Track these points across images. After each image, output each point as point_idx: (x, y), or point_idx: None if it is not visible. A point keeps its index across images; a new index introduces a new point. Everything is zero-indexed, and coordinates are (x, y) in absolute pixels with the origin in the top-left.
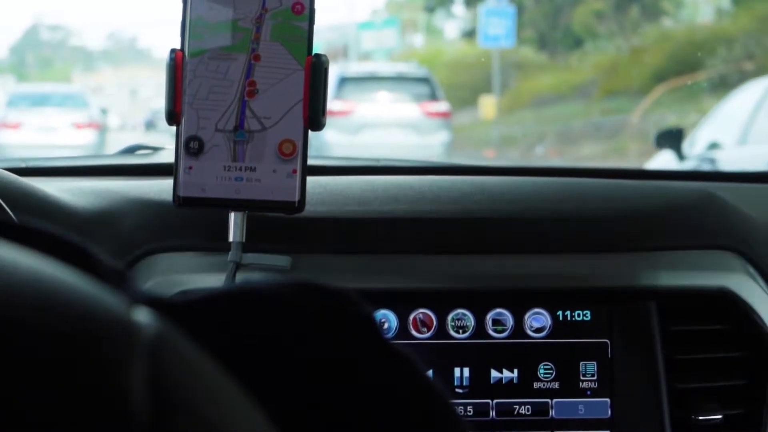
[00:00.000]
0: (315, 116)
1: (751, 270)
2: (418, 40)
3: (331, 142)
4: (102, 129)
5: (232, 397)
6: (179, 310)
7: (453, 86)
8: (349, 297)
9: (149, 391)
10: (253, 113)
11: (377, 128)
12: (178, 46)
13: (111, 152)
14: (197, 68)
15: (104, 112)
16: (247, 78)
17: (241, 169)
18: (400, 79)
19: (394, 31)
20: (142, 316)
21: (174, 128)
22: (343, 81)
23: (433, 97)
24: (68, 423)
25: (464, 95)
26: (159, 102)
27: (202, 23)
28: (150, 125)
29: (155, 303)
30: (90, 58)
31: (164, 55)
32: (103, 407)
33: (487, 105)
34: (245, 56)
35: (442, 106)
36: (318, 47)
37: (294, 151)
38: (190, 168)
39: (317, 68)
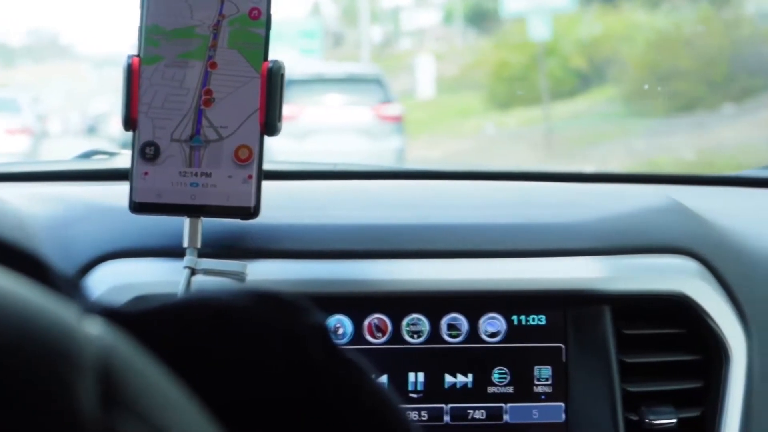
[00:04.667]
0: (271, 122)
1: (707, 274)
2: None
3: (275, 149)
4: (37, 135)
5: (184, 408)
6: (131, 320)
7: None
8: (301, 306)
9: (100, 402)
10: (210, 123)
11: (326, 134)
12: (134, 52)
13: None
14: (153, 76)
15: (41, 118)
16: (203, 86)
17: (196, 174)
18: (349, 81)
19: None
20: (93, 327)
21: (113, 134)
22: (288, 84)
23: (386, 99)
24: None
25: None
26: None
27: (158, 30)
28: (92, 130)
29: (107, 313)
30: (11, 55)
31: (87, 52)
32: (52, 420)
33: None
34: (201, 64)
35: (395, 108)
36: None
37: (250, 157)
38: (146, 174)
39: (273, 74)
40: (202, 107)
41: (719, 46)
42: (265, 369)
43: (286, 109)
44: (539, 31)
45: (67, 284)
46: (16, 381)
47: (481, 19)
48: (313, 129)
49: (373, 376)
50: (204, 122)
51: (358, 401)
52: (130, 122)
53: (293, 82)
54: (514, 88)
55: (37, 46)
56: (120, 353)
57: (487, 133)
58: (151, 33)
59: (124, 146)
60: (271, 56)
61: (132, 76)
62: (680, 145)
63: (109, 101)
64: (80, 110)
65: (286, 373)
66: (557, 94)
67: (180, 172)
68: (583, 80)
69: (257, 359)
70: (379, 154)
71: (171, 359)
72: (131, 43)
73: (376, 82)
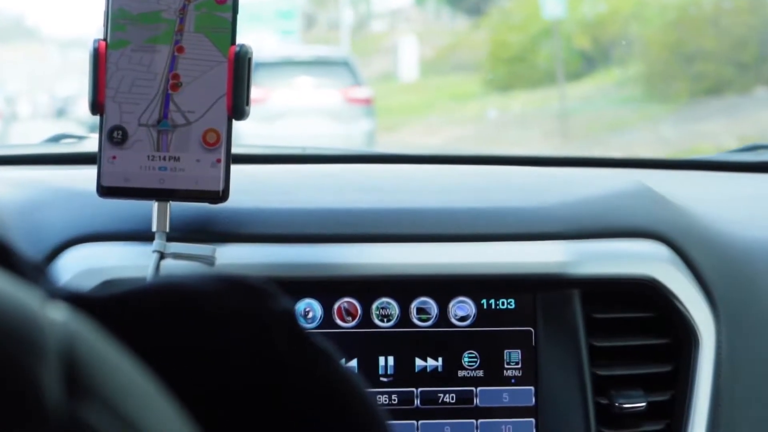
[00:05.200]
0: (239, 106)
1: (676, 258)
2: None
3: (243, 133)
4: (6, 118)
5: (149, 393)
6: (97, 305)
7: None
8: (268, 291)
9: (63, 387)
10: (177, 107)
11: (294, 117)
12: (101, 36)
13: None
14: (119, 61)
15: (9, 101)
16: (170, 71)
17: (165, 158)
18: (317, 64)
19: None
20: (57, 312)
21: (82, 117)
22: (256, 67)
23: (355, 82)
24: None
25: None
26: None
27: (124, 14)
28: (61, 113)
29: (72, 299)
30: None
31: (52, 33)
32: (15, 408)
33: None
34: (168, 48)
35: (365, 91)
36: None
37: (218, 141)
38: (114, 158)
39: (241, 58)
40: (170, 92)
41: (748, 25)
42: (230, 356)
43: (255, 92)
44: (553, 9)
45: (32, 269)
46: None
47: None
48: (282, 112)
49: (342, 361)
50: (171, 107)
51: (325, 388)
52: (97, 106)
53: (261, 65)
54: (515, 69)
55: (1, 27)
56: (84, 339)
57: (490, 118)
58: (117, 17)
59: (92, 129)
60: (250, 39)
61: (99, 60)
62: (716, 131)
63: (76, 83)
64: (48, 92)
65: (251, 361)
66: (553, 76)
67: (148, 156)
68: (588, 62)
69: (222, 346)
70: (349, 137)
71: (135, 346)
72: (97, 26)
73: (345, 64)
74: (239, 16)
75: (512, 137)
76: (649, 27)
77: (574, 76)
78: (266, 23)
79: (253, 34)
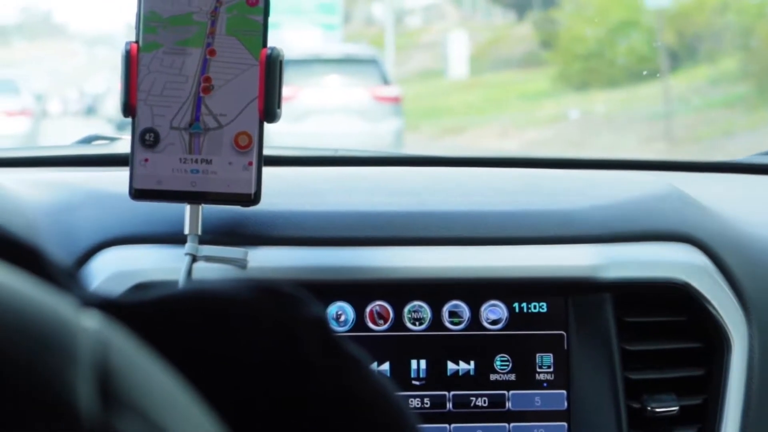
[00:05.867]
0: (271, 109)
1: (708, 262)
2: None
3: (272, 131)
4: (37, 116)
5: (182, 402)
6: (130, 312)
7: None
8: (300, 298)
9: (97, 395)
10: (209, 110)
11: (322, 115)
12: (132, 39)
13: (49, 141)
14: (151, 63)
15: (40, 98)
16: (202, 74)
17: (197, 161)
18: (346, 62)
19: None
20: (90, 320)
21: (111, 114)
22: (285, 64)
23: (384, 80)
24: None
25: None
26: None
27: (155, 17)
28: (91, 111)
29: (105, 305)
30: (3, 33)
31: (79, 30)
32: (49, 418)
33: None
34: (200, 51)
35: (393, 90)
36: None
37: (250, 144)
38: (146, 160)
39: (272, 61)
40: (201, 95)
41: None
42: (262, 364)
43: (283, 90)
44: None
45: (65, 274)
46: (12, 378)
47: None
48: (310, 110)
49: (374, 367)
50: (203, 110)
51: (356, 396)
52: (128, 109)
53: (290, 62)
54: (591, 66)
55: (29, 24)
56: (118, 348)
57: (572, 119)
58: (148, 20)
59: (121, 127)
60: (292, 35)
61: (130, 62)
62: None
63: (104, 81)
64: (77, 89)
65: (283, 369)
66: (638, 74)
67: (180, 158)
68: (672, 58)
69: (254, 355)
70: (377, 135)
71: (167, 354)
72: (123, 23)
73: (373, 62)
74: (279, 10)
75: (604, 142)
76: (744, 17)
77: (656, 74)
78: (307, 17)
79: (293, 31)
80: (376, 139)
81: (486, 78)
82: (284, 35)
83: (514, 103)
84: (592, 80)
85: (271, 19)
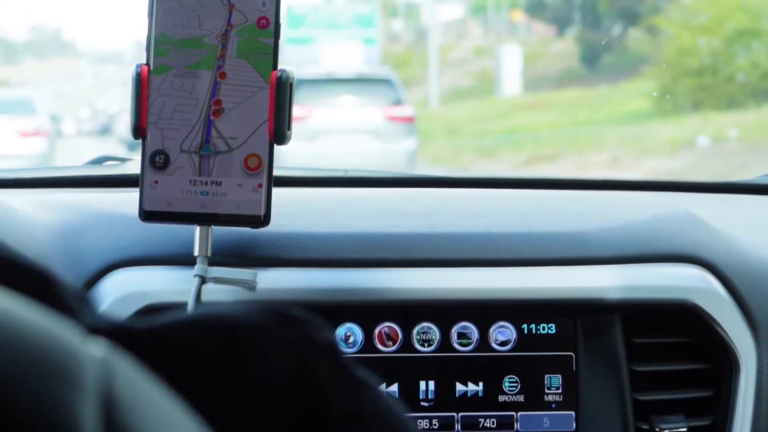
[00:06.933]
0: (281, 131)
1: (717, 283)
2: None
3: (285, 151)
4: (51, 137)
5: (188, 430)
6: (137, 338)
7: None
8: (310, 322)
9: (102, 424)
10: (219, 133)
11: (336, 135)
12: (143, 61)
13: (64, 162)
14: (162, 86)
15: (55, 118)
16: (212, 97)
17: (206, 183)
18: (360, 81)
19: None
20: (97, 347)
21: (124, 135)
22: (298, 84)
23: (397, 100)
24: None
25: None
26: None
27: (166, 40)
28: (105, 130)
29: (116, 330)
30: (13, 51)
31: (87, 48)
32: None
33: None
34: (211, 74)
35: (407, 110)
36: None
37: (260, 166)
38: (156, 182)
39: (282, 84)
40: (212, 118)
41: None
42: (271, 389)
43: (297, 110)
44: None
45: (75, 297)
46: (17, 406)
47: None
48: (324, 130)
49: (383, 388)
50: (213, 133)
51: (367, 419)
52: (139, 131)
53: (303, 82)
54: (703, 82)
55: (38, 42)
56: (123, 375)
57: (701, 146)
58: (159, 43)
59: (132, 147)
60: (333, 50)
61: (141, 85)
62: None
63: (118, 99)
64: (90, 108)
65: (293, 393)
66: (758, 92)
67: (190, 180)
68: None
69: (263, 380)
70: (390, 155)
71: (176, 381)
72: (132, 40)
73: (387, 82)
74: (314, 24)
75: (753, 174)
76: None
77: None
78: (344, 30)
79: (331, 45)
80: (390, 158)
81: (547, 96)
82: (322, 50)
83: (608, 126)
84: (705, 99)
85: (305, 34)
